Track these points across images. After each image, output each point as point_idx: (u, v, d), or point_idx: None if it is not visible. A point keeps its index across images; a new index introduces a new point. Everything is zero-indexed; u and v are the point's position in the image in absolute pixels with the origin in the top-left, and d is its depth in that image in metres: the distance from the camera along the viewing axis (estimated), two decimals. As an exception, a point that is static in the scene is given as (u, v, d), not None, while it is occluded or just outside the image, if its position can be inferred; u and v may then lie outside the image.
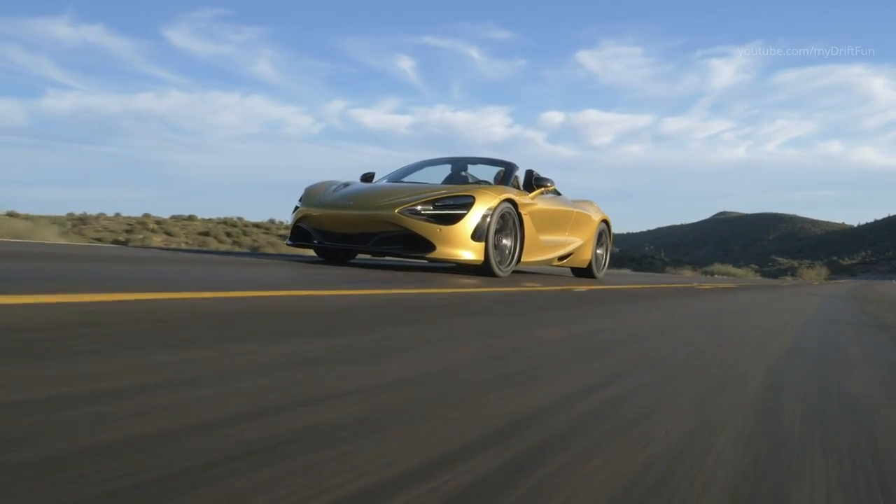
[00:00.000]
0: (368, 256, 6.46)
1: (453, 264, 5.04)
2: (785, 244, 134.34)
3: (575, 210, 6.46)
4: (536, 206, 5.61)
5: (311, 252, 6.12)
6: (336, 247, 4.97)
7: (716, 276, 27.98)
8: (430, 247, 4.67)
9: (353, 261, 5.85)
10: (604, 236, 7.24)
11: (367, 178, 6.15)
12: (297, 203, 5.41)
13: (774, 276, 55.40)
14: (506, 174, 5.86)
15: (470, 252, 4.74)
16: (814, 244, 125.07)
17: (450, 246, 4.68)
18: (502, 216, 5.03)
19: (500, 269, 5.03)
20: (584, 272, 7.01)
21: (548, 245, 5.89)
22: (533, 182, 5.82)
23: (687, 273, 27.57)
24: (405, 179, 6.13)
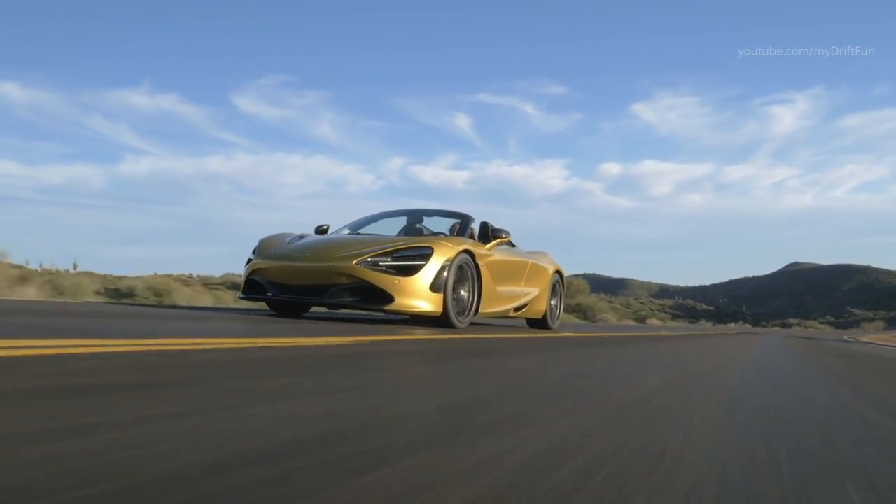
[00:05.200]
0: (324, 309, 6.32)
1: (410, 316, 4.97)
2: (860, 295, 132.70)
3: (530, 261, 6.53)
4: (493, 258, 5.64)
5: (264, 305, 5.93)
6: (291, 299, 4.85)
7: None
8: (388, 298, 4.61)
9: (306, 314, 5.70)
10: (557, 287, 7.31)
11: (322, 230, 6.08)
12: (250, 255, 5.28)
13: (846, 327, 58.83)
14: (462, 226, 5.90)
15: (428, 303, 4.70)
16: (889, 294, 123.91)
17: (408, 297, 4.63)
18: (460, 267, 5.02)
19: (458, 320, 4.99)
20: (539, 323, 7.03)
21: (505, 296, 5.90)
22: (489, 233, 5.86)
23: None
24: (361, 231, 6.09)
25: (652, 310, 50.38)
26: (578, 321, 20.34)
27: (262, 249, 5.19)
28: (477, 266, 5.24)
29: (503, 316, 6.20)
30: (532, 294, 6.58)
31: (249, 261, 5.19)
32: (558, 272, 7.27)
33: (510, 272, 6.04)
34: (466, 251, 5.07)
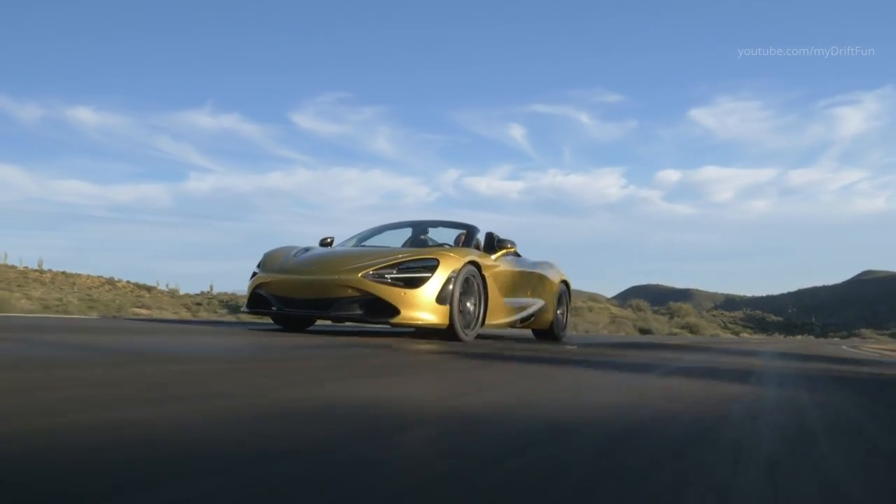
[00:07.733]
0: (329, 323, 6.28)
1: (416, 329, 4.92)
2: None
3: (536, 272, 6.47)
4: (499, 268, 5.58)
5: (268, 320, 5.90)
6: (296, 313, 4.80)
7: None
8: (394, 311, 4.56)
9: (311, 328, 5.66)
10: (563, 297, 7.22)
11: (327, 242, 6.05)
12: (254, 269, 5.24)
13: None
14: (468, 236, 5.85)
15: (434, 316, 4.64)
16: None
17: (414, 310, 4.58)
18: (466, 279, 4.96)
19: (464, 333, 4.92)
20: (546, 334, 6.95)
21: (511, 307, 5.84)
22: (495, 244, 5.81)
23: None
24: (366, 243, 6.06)
25: (724, 322, 51.36)
26: (689, 335, 22.59)
27: (266, 263, 5.15)
28: (483, 277, 5.18)
29: (510, 327, 6.14)
30: (539, 305, 6.52)
31: (254, 274, 5.15)
32: (564, 282, 7.20)
33: (516, 283, 5.98)
34: (472, 262, 5.02)
